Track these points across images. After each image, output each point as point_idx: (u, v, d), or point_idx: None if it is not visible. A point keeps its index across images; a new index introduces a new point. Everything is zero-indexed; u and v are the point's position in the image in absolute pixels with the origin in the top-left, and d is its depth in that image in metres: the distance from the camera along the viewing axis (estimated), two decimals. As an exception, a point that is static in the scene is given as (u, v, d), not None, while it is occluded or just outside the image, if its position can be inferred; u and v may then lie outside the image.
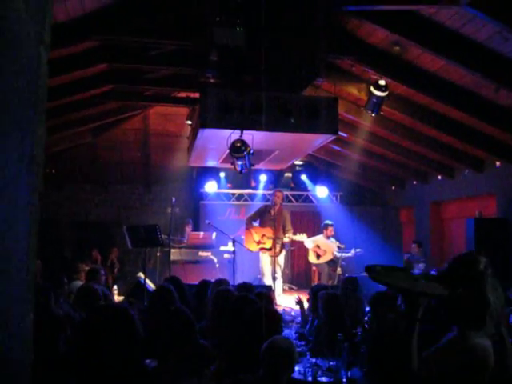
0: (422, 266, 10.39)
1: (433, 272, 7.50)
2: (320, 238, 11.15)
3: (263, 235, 10.26)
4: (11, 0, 1.07)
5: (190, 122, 9.92)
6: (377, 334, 4.24)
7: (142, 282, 7.71)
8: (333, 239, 11.19)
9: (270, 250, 10.19)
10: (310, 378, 4.19)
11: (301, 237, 10.64)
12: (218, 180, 13.74)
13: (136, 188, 14.64)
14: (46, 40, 1.25)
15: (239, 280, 7.44)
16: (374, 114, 8.09)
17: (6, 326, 1.10)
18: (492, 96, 7.28)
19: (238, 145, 7.22)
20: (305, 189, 14.37)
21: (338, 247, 11.13)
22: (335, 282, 10.13)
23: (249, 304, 4.18)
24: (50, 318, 3.71)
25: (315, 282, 11.15)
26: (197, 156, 10.06)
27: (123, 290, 8.82)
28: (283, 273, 10.86)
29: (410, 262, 10.14)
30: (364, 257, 10.49)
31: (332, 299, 5.31)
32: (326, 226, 11.21)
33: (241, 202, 14.11)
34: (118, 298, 8.08)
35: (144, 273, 7.96)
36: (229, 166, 8.51)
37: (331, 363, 4.35)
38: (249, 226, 10.52)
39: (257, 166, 9.99)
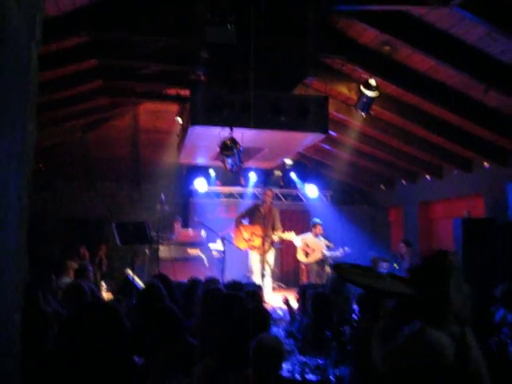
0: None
1: None
2: (309, 237, 11.16)
3: (253, 233, 10.27)
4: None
5: (180, 120, 9.91)
6: (364, 333, 4.26)
7: (131, 278, 7.69)
8: (321, 238, 11.20)
9: (259, 248, 10.20)
10: (298, 376, 4.19)
11: (289, 235, 10.65)
12: (208, 178, 13.72)
13: (125, 185, 14.59)
14: (36, 36, 1.25)
15: (228, 278, 7.44)
16: (364, 114, 8.10)
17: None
18: (481, 97, 7.32)
19: (228, 143, 7.22)
20: (294, 187, 14.40)
21: (327, 246, 11.14)
22: (324, 281, 10.14)
23: (238, 302, 4.18)
24: (38, 315, 3.70)
25: (304, 280, 11.17)
26: (187, 153, 10.04)
27: (111, 287, 8.79)
28: (272, 271, 10.87)
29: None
30: (352, 256, 10.52)
31: (321, 298, 5.32)
32: (315, 224, 11.21)
33: (230, 200, 14.10)
34: (106, 295, 8.05)
35: (132, 270, 7.93)
36: (219, 163, 8.51)
37: (319, 361, 4.36)
38: (238, 223, 10.53)
39: (246, 164, 9.99)
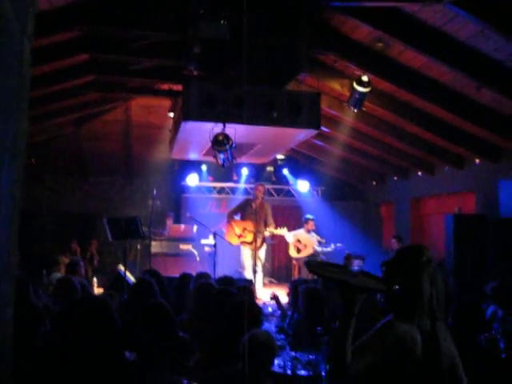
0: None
1: None
2: (301, 232, 11.18)
3: (244, 229, 10.27)
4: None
5: (172, 115, 9.87)
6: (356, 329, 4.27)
7: (122, 274, 7.68)
8: (313, 233, 11.23)
9: (251, 243, 10.20)
10: (289, 372, 4.21)
11: (281, 231, 10.65)
12: (200, 173, 13.71)
13: (117, 180, 14.55)
14: (29, 30, 1.24)
15: (220, 273, 7.44)
16: (356, 110, 8.11)
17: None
18: (473, 94, 7.35)
19: (221, 138, 7.20)
20: (286, 183, 14.41)
21: (319, 242, 11.17)
22: (315, 276, 10.14)
23: (230, 297, 4.19)
24: (29, 310, 3.69)
25: (295, 275, 11.19)
26: (179, 149, 10.02)
27: (103, 282, 8.78)
28: (263, 266, 10.88)
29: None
30: (344, 251, 10.55)
31: (312, 293, 5.34)
32: (307, 220, 11.23)
33: (222, 196, 14.11)
34: (97, 290, 8.04)
35: (124, 265, 7.92)
36: (211, 159, 8.50)
37: (311, 357, 4.38)
38: (230, 219, 10.53)
39: (239, 160, 9.98)
